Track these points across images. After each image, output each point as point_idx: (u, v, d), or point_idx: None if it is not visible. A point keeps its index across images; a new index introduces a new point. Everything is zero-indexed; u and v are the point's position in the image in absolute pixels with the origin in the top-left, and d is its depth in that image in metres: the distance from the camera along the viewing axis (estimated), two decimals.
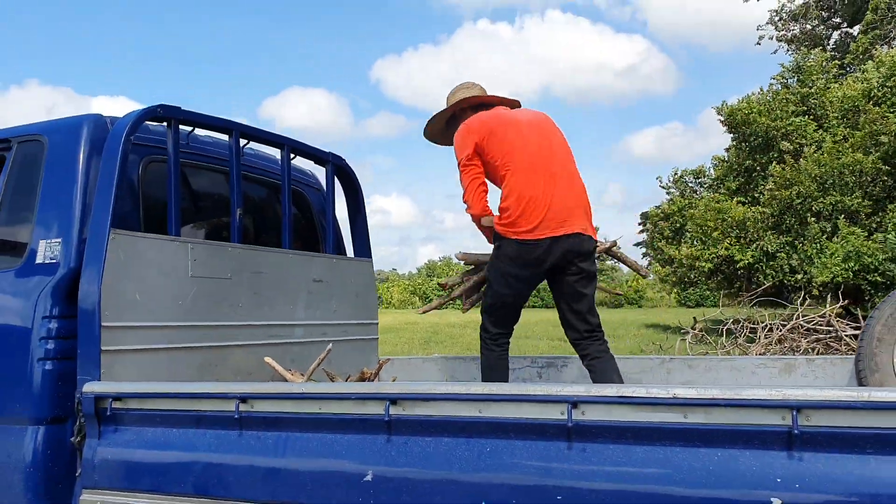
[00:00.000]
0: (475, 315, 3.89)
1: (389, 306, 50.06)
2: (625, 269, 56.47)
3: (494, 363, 3.49)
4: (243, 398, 2.56)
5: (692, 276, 17.05)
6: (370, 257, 4.35)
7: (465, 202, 3.53)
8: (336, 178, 4.21)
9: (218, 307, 3.33)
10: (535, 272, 3.40)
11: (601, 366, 3.44)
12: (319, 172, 4.29)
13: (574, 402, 2.15)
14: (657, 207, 19.80)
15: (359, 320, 4.19)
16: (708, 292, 17.94)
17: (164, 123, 3.24)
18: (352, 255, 4.35)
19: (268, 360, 3.38)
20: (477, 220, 3.55)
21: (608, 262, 55.26)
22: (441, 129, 3.86)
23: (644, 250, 23.82)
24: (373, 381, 3.83)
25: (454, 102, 3.76)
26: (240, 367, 3.43)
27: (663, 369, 3.85)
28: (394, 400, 2.35)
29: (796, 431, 1.91)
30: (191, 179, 3.71)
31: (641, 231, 23.68)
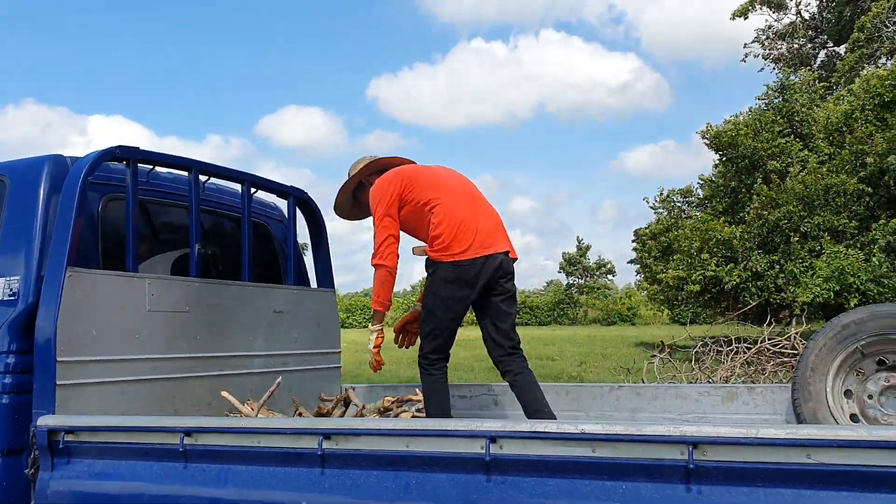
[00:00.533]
0: (466, 332, 4.05)
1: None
2: (619, 285, 56.63)
3: (436, 387, 3.60)
4: (188, 432, 2.67)
5: (680, 296, 17.18)
6: (332, 287, 4.47)
7: (376, 255, 3.61)
8: (298, 211, 4.34)
9: (176, 340, 3.44)
10: (470, 292, 3.55)
11: (524, 381, 3.60)
12: (284, 204, 4.42)
13: (492, 437, 2.26)
14: (646, 227, 19.97)
15: (321, 349, 4.30)
16: (698, 309, 18.05)
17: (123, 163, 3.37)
18: (314, 286, 4.47)
19: (224, 393, 3.49)
20: (384, 274, 3.62)
21: (600, 280, 55.47)
22: (350, 201, 3.98)
23: (637, 267, 23.97)
24: (333, 410, 3.95)
25: (361, 168, 3.90)
26: (199, 399, 3.54)
27: (612, 397, 3.96)
28: (327, 435, 2.47)
29: (692, 466, 2.02)
30: (153, 215, 3.84)
31: (634, 248, 23.87)
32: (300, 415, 3.69)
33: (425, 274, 3.69)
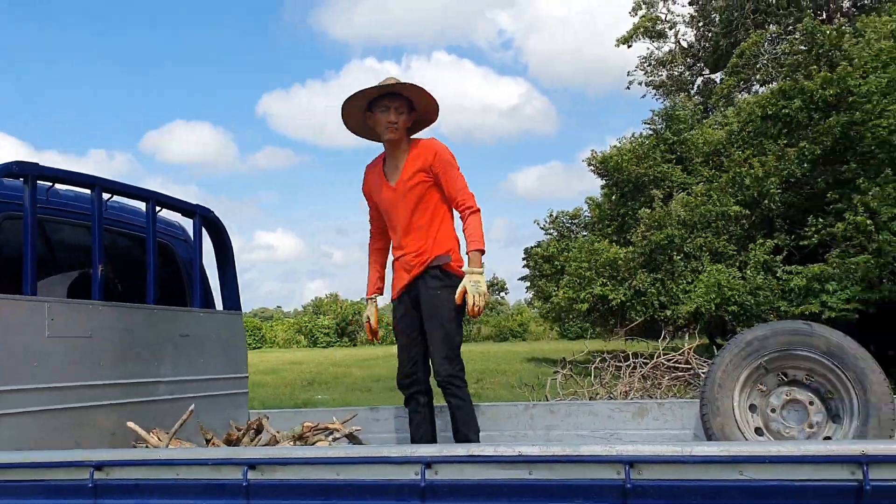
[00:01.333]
0: (361, 352, 4.01)
1: (273, 345, 49.02)
2: (511, 302, 57.68)
3: (471, 408, 3.66)
4: (98, 465, 2.51)
5: (571, 315, 17.67)
6: (240, 310, 4.33)
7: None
8: (204, 230, 4.19)
9: (77, 367, 3.24)
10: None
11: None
12: (188, 224, 4.26)
13: (427, 463, 2.23)
14: (537, 246, 20.45)
15: (228, 374, 4.16)
16: (589, 326, 18.63)
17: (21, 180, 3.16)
18: (220, 308, 4.32)
19: (130, 424, 3.31)
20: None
21: (494, 297, 56.25)
22: (363, 127, 3.85)
23: (528, 285, 24.42)
24: (243, 438, 3.80)
25: (427, 95, 3.70)
26: (102, 429, 3.34)
27: (527, 415, 4.00)
28: (252, 465, 2.37)
29: (629, 485, 2.05)
30: (53, 235, 3.62)
31: (525, 266, 24.32)
32: (212, 444, 3.54)
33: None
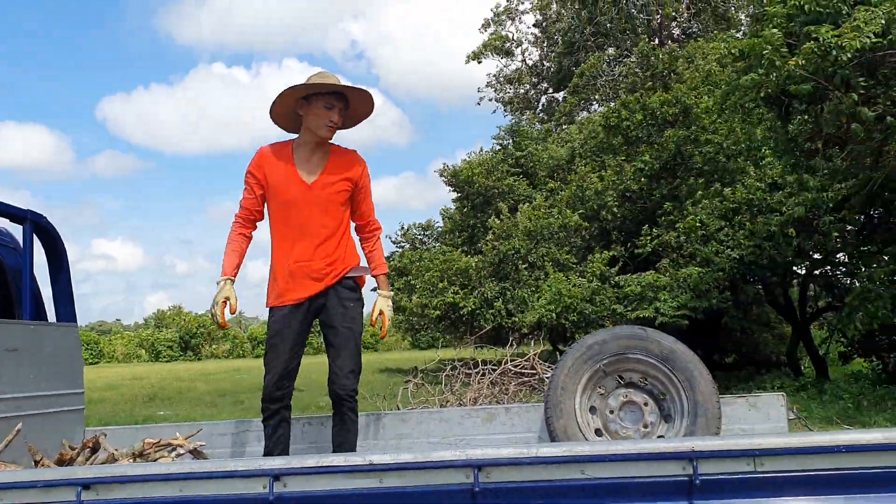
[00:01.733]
0: (207, 366, 3.84)
1: (112, 360, 46.37)
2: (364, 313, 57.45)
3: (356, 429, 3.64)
4: None
5: (423, 322, 17.87)
6: (75, 322, 4.06)
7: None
8: (35, 237, 3.91)
9: None
10: None
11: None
12: (18, 230, 3.96)
13: (276, 475, 2.18)
14: (389, 258, 20.56)
15: (62, 391, 3.88)
16: (438, 334, 18.90)
17: None
18: (54, 321, 4.04)
19: None
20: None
21: None
22: (290, 111, 3.69)
23: None
24: (77, 458, 3.57)
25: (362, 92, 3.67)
26: None
27: (379, 425, 3.99)
28: (86, 485, 2.23)
29: (477, 489, 2.09)
30: None
31: None
32: (42, 464, 3.30)
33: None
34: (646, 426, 3.62)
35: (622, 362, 3.67)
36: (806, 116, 10.79)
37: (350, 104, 3.68)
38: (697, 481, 2.01)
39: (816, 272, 15.76)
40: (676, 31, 24.85)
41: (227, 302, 3.60)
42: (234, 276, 3.67)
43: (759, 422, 3.71)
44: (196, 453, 3.59)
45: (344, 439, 3.57)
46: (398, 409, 7.01)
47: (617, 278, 14.20)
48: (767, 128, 12.67)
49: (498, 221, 16.60)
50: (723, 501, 2.05)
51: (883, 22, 7.72)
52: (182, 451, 3.51)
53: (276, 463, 2.21)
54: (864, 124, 8.97)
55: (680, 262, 13.31)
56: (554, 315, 14.28)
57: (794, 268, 15.59)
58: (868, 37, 7.71)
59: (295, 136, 3.73)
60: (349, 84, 3.60)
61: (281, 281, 3.63)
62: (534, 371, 7.19)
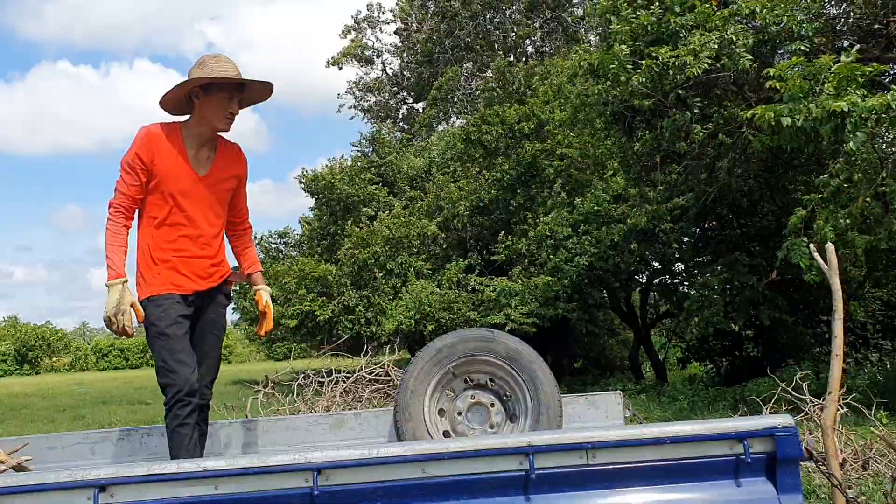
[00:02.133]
0: (46, 380, 3.54)
1: None
2: None
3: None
4: None
5: (279, 332, 17.50)
6: None
7: None
8: None
9: None
10: None
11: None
12: None
13: (101, 486, 2.06)
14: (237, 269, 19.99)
15: None
16: (294, 345, 18.56)
17: None
18: None
19: None
20: None
21: None
22: (181, 97, 3.39)
23: (234, 306, 23.76)
24: None
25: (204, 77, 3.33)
26: None
27: (223, 434, 3.85)
28: None
29: (316, 492, 2.05)
30: None
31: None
32: None
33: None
34: (492, 426, 3.68)
35: (470, 364, 3.72)
36: (647, 132, 11.42)
37: (247, 91, 3.48)
38: (534, 475, 2.06)
39: (657, 281, 16.71)
40: (530, 49, 25.72)
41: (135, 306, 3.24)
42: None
43: (597, 419, 3.86)
44: (20, 468, 3.34)
45: (196, 450, 3.36)
46: (247, 418, 6.81)
47: (473, 283, 14.49)
48: (614, 143, 13.33)
49: (357, 229, 16.53)
50: (558, 494, 2.11)
51: (716, 46, 8.29)
52: (3, 468, 3.25)
53: (104, 473, 2.09)
54: (697, 141, 9.59)
55: (532, 271, 13.75)
56: (413, 323, 14.38)
57: (637, 276, 16.47)
58: (705, 62, 8.27)
59: (180, 118, 3.42)
60: (255, 79, 3.42)
61: (165, 270, 3.30)
62: (388, 378, 7.18)
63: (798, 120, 7.33)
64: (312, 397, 7.06)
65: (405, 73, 28.62)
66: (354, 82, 29.27)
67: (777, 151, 9.85)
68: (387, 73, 29.17)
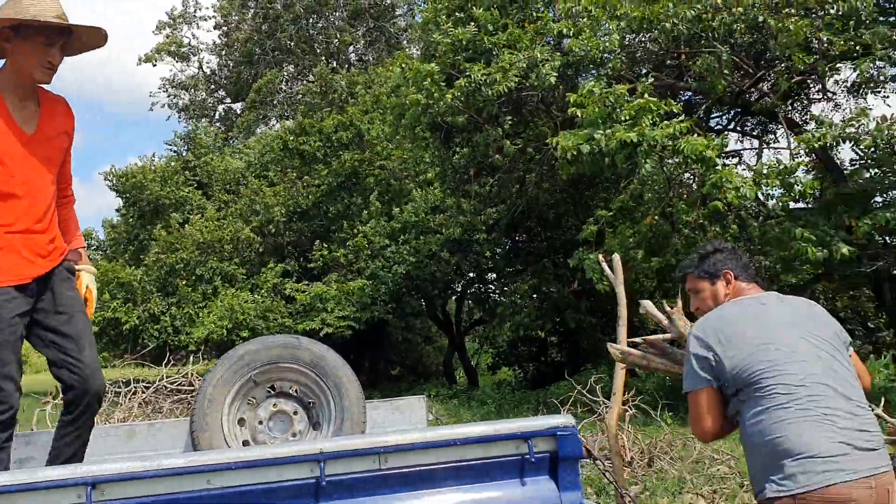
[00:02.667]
0: None
1: None
2: None
3: None
4: None
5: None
6: None
7: None
8: None
9: None
10: None
11: None
12: None
13: None
14: None
15: None
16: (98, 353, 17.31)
17: None
18: None
19: None
20: None
21: None
22: None
23: None
24: None
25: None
26: None
27: None
28: None
29: None
30: None
31: None
32: None
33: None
34: (294, 434, 3.61)
35: (274, 371, 3.63)
36: (464, 146, 11.78)
37: (73, 36, 2.91)
38: (324, 482, 2.04)
39: (471, 289, 17.24)
40: (353, 57, 25.73)
41: None
42: None
43: (401, 424, 3.89)
44: None
45: (77, 450, 2.95)
46: (32, 431, 6.27)
47: (288, 290, 14.25)
48: (433, 154, 13.62)
49: (165, 233, 15.76)
50: (349, 500, 2.10)
51: (524, 65, 8.69)
52: None
53: None
54: (509, 156, 10.01)
55: (349, 277, 13.74)
56: (225, 331, 13.90)
57: (453, 285, 16.91)
58: (513, 79, 8.64)
59: None
60: (77, 23, 2.86)
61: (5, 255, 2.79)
62: (192, 388, 6.87)
63: (595, 148, 7.84)
64: (108, 409, 6.62)
65: (224, 71, 27.70)
66: (169, 79, 27.97)
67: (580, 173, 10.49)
68: (204, 71, 28.11)
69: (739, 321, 2.57)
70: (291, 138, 15.38)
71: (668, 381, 13.09)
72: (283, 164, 16.02)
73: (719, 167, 8.20)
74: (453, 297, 18.24)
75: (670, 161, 8.40)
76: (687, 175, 10.53)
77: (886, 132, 8.32)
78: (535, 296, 13.96)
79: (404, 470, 2.14)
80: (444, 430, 2.24)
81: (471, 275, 16.36)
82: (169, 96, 27.97)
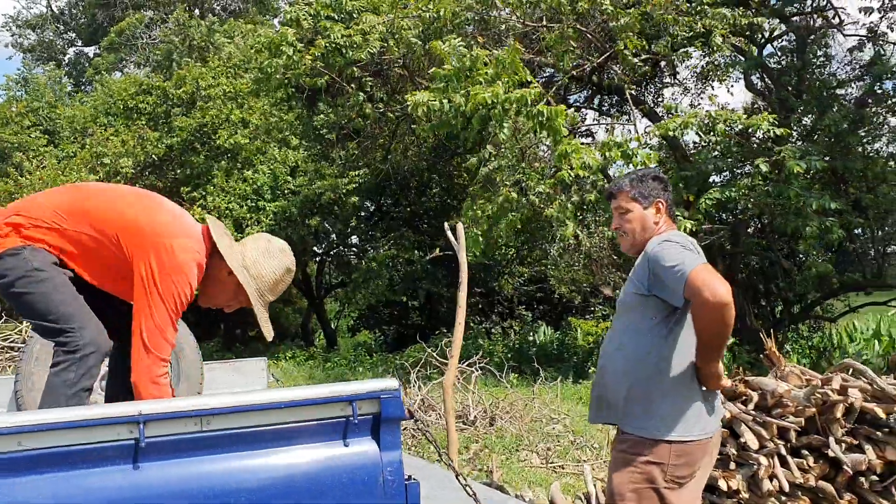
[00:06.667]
0: None
1: None
2: None
3: None
4: None
5: None
6: None
7: None
8: None
9: None
10: None
11: None
12: None
13: None
14: None
15: None
16: None
17: None
18: None
19: None
20: None
21: None
22: None
23: None
24: None
25: None
26: None
27: None
28: None
29: None
30: None
31: None
32: None
33: None
34: None
35: None
36: (329, 110, 11.62)
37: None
38: (143, 444, 2.04)
39: (332, 252, 17.16)
40: (217, 6, 24.64)
41: None
42: None
43: (241, 385, 3.89)
44: None
45: None
46: None
47: None
48: (296, 116, 13.36)
49: (2, 182, 14.70)
50: (169, 461, 2.11)
51: (385, 30, 8.66)
52: None
53: None
54: (372, 120, 9.99)
55: None
56: None
57: (315, 247, 16.77)
58: (375, 44, 8.60)
59: None
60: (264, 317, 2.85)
61: None
62: (25, 344, 6.51)
63: (450, 106, 7.92)
64: None
65: (75, 12, 25.89)
66: (12, 17, 25.86)
67: (445, 139, 10.60)
68: (52, 11, 26.17)
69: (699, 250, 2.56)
70: (132, 96, 14.65)
71: (515, 344, 13.63)
72: (134, 116, 15.21)
73: (568, 138, 8.47)
74: (315, 259, 18.08)
75: (524, 129, 8.61)
76: (543, 148, 10.89)
77: (725, 120, 8.93)
78: (392, 262, 14.06)
79: (228, 432, 2.16)
80: (268, 393, 2.27)
81: (332, 237, 16.25)
82: (13, 35, 25.91)
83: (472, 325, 15.21)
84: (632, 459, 2.53)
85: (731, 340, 12.74)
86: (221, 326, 18.14)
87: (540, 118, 7.90)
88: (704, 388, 2.53)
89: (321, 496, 2.24)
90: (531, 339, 14.56)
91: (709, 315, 2.32)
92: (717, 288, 2.27)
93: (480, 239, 8.93)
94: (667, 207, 2.74)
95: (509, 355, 11.61)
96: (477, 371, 7.87)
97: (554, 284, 14.04)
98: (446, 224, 4.70)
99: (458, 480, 2.58)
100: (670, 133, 8.51)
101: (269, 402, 2.21)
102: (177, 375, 3.53)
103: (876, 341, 12.79)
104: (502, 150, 8.91)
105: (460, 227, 4.12)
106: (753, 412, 3.79)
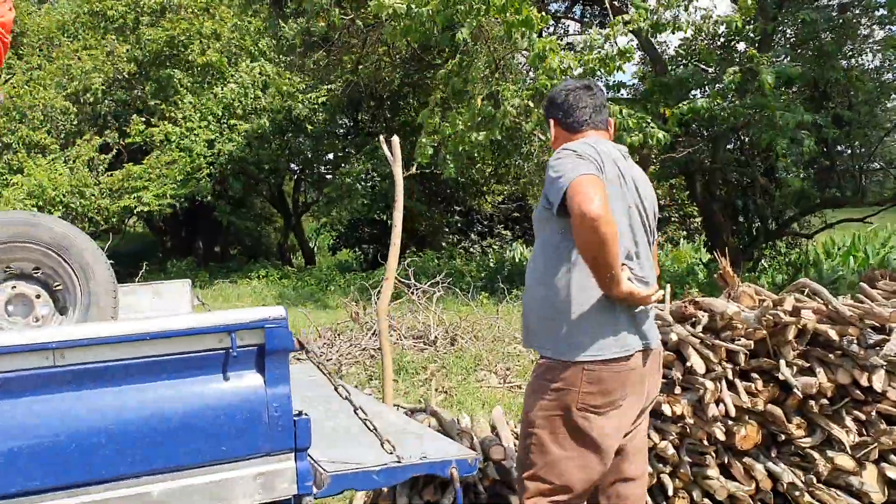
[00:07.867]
0: None
1: None
2: None
3: None
4: None
5: None
6: None
7: None
8: None
9: None
10: None
11: None
12: None
13: None
14: None
15: None
16: None
17: None
18: None
19: None
20: None
21: None
22: None
23: None
24: None
25: None
26: None
27: None
28: None
29: None
30: None
31: None
32: None
33: None
34: (37, 319, 3.33)
35: (11, 252, 3.29)
36: (300, 18, 11.09)
37: None
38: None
39: (308, 170, 16.81)
40: None
41: None
42: None
43: (162, 310, 3.68)
44: None
45: None
46: None
47: (102, 169, 13.25)
48: (263, 20, 12.79)
49: None
50: (22, 399, 1.91)
51: None
52: None
53: None
54: (337, 26, 9.52)
55: (172, 152, 12.91)
56: (34, 210, 12.80)
57: (291, 165, 16.42)
58: None
59: None
60: None
61: None
62: None
63: (418, 9, 7.49)
64: None
65: None
66: None
67: (419, 49, 10.14)
68: None
69: (606, 156, 2.36)
70: (97, 2, 13.99)
71: (490, 263, 13.49)
72: (99, 29, 14.56)
73: (543, 39, 8.04)
74: (292, 178, 17.76)
75: (495, 33, 8.19)
76: (520, 60, 10.46)
77: (708, 26, 8.54)
78: (365, 178, 13.75)
79: (85, 366, 1.96)
80: (136, 323, 2.05)
81: (308, 154, 15.87)
82: None
83: (446, 245, 15.03)
84: (545, 385, 2.38)
85: (708, 257, 12.70)
86: (199, 245, 17.92)
87: (505, 13, 7.42)
88: (621, 303, 2.31)
89: (196, 434, 2.05)
90: (507, 257, 14.41)
91: (578, 230, 2.13)
92: (587, 201, 2.08)
93: (448, 158, 8.64)
94: (563, 123, 2.56)
95: (482, 274, 11.45)
96: (440, 291, 7.71)
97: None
98: (381, 136, 4.41)
99: (355, 412, 2.40)
100: (642, 33, 8.09)
101: (134, 334, 2.00)
102: (87, 298, 3.31)
103: (851, 258, 12.69)
104: (473, 58, 8.50)
105: (395, 139, 3.85)
106: (702, 335, 3.61)
